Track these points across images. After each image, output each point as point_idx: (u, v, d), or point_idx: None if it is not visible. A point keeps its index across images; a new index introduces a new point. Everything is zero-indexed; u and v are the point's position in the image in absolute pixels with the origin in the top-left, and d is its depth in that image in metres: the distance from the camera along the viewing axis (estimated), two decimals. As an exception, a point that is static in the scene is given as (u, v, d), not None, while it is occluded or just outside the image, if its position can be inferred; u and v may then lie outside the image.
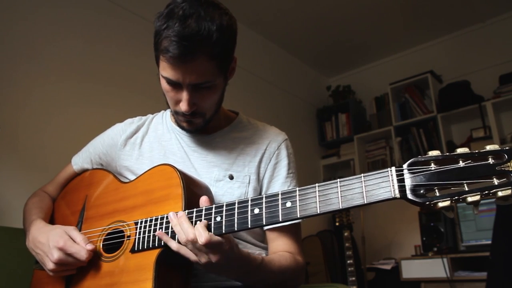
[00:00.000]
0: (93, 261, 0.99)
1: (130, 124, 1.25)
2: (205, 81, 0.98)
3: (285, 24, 3.65)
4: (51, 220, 1.20)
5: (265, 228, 1.11)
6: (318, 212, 0.73)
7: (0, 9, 2.04)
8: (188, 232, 0.82)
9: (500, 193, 0.60)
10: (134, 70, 2.59)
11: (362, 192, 0.71)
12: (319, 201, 0.74)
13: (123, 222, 1.00)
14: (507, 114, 3.41)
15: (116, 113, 1.65)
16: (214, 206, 0.86)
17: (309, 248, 3.37)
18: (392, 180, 0.69)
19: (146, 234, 0.93)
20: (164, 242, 0.89)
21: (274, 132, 1.20)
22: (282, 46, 3.97)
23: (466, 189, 0.63)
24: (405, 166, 0.69)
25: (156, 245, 0.90)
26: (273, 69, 3.89)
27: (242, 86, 3.33)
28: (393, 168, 0.70)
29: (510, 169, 0.61)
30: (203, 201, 0.89)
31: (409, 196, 0.67)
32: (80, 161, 1.26)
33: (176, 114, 1.08)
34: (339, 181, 0.74)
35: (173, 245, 0.87)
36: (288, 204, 0.77)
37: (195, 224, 0.85)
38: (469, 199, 0.62)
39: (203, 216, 0.86)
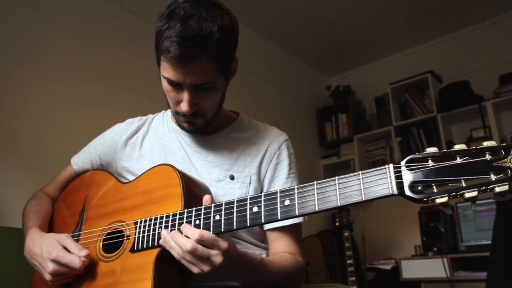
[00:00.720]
0: (93, 262, 0.99)
1: (130, 124, 1.25)
2: (206, 82, 0.98)
3: (285, 24, 3.65)
4: (51, 221, 1.20)
5: (265, 228, 1.11)
6: (317, 209, 0.73)
7: (0, 9, 2.04)
8: (185, 244, 0.80)
9: (497, 189, 0.61)
10: (135, 70, 2.59)
11: (360, 189, 0.71)
12: (317, 198, 0.74)
13: (123, 222, 1.00)
14: (507, 114, 3.41)
15: (117, 113, 1.65)
16: (213, 205, 0.86)
17: (309, 248, 3.37)
18: (390, 177, 0.69)
19: (146, 234, 0.93)
20: None
21: (275, 132, 1.21)
22: (282, 46, 3.98)
23: (464, 185, 0.63)
24: (402, 163, 0.69)
25: (156, 244, 0.90)
26: (273, 69, 3.89)
27: (242, 86, 3.33)
28: (391, 165, 0.70)
29: (507, 165, 0.61)
30: (206, 200, 0.89)
31: (407, 192, 0.67)
32: (80, 161, 1.26)
33: (177, 115, 1.08)
34: (337, 179, 0.74)
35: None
36: (287, 202, 0.77)
37: (194, 223, 0.85)
38: (467, 195, 0.62)
39: (202, 215, 0.86)
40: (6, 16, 2.06)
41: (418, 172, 0.67)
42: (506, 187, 0.60)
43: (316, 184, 0.76)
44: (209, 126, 1.11)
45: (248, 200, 0.82)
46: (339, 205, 0.72)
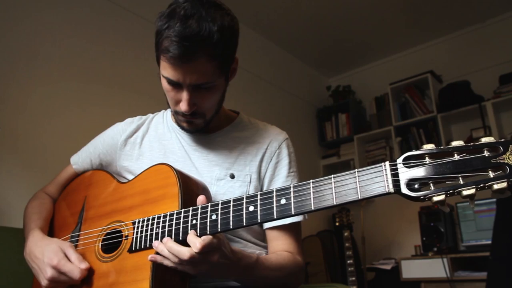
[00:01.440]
0: (92, 262, 0.99)
1: (130, 123, 1.25)
2: (205, 82, 0.98)
3: (285, 24, 3.65)
4: (53, 221, 1.20)
5: (265, 227, 1.11)
6: (313, 208, 0.73)
7: (0, 9, 2.04)
8: (183, 253, 0.81)
9: (495, 186, 0.60)
10: (135, 70, 2.59)
11: (356, 187, 0.70)
12: (313, 197, 0.74)
13: (121, 222, 1.00)
14: (507, 114, 3.41)
15: (117, 113, 1.65)
16: (209, 204, 0.86)
17: (309, 248, 3.37)
18: (386, 175, 0.68)
19: (143, 234, 0.92)
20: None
21: (275, 131, 1.20)
22: (282, 46, 3.97)
23: (461, 182, 0.62)
24: (399, 160, 0.68)
25: (153, 244, 0.90)
26: (273, 69, 3.89)
27: (242, 86, 3.33)
28: (387, 163, 0.69)
29: (506, 161, 0.60)
30: (200, 200, 0.89)
31: (403, 190, 0.66)
32: (80, 161, 1.25)
33: (176, 114, 1.08)
34: (333, 177, 0.73)
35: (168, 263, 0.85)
36: (283, 201, 0.77)
37: (191, 223, 0.85)
38: (464, 192, 0.61)
39: (199, 214, 0.86)
40: (6, 16, 2.06)
41: (415, 170, 0.66)
42: (504, 184, 0.59)
43: (312, 182, 0.75)
44: (209, 125, 1.11)
45: (245, 199, 0.82)
46: (335, 203, 0.71)
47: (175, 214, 0.89)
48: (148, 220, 0.93)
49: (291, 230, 1.09)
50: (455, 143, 0.64)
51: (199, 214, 0.86)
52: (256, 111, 3.31)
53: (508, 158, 0.59)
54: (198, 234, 0.84)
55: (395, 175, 0.68)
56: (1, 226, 1.64)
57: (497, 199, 1.96)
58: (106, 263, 0.97)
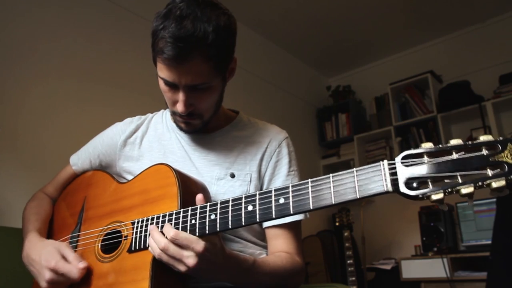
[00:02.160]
0: (91, 262, 0.99)
1: (129, 123, 1.25)
2: (201, 83, 0.97)
3: (285, 24, 3.65)
4: (52, 221, 1.20)
5: (264, 226, 1.11)
6: (311, 208, 0.73)
7: (-1, 9, 2.05)
8: (160, 242, 0.82)
9: (494, 184, 0.59)
10: (134, 69, 2.59)
11: (355, 186, 0.70)
12: (311, 196, 0.74)
13: (121, 222, 1.00)
14: (507, 114, 3.41)
15: (116, 112, 1.65)
16: (208, 204, 0.86)
17: (309, 248, 3.37)
18: (385, 174, 0.68)
19: (143, 234, 0.92)
20: None
21: (275, 130, 1.20)
22: (282, 46, 3.97)
23: (460, 181, 0.62)
24: (397, 159, 0.68)
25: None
26: (273, 69, 3.89)
27: (242, 86, 3.33)
28: (385, 162, 0.69)
29: (504, 159, 0.60)
30: (199, 199, 0.88)
31: (402, 189, 0.66)
32: (80, 161, 1.25)
33: (174, 115, 1.08)
34: (332, 176, 0.73)
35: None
36: (281, 201, 0.77)
37: (190, 223, 0.85)
38: (463, 191, 0.61)
39: (198, 214, 0.85)
40: (5, 15, 2.06)
41: (414, 168, 0.66)
42: (503, 182, 0.59)
43: (311, 182, 0.75)
44: (208, 125, 1.11)
45: (243, 199, 0.82)
46: (333, 203, 0.71)
47: (174, 214, 0.89)
48: (147, 220, 0.93)
49: (291, 228, 1.09)
50: (453, 142, 0.64)
51: (198, 214, 0.85)
52: (256, 111, 3.31)
53: (506, 156, 0.59)
54: (197, 234, 0.83)
55: (393, 174, 0.68)
56: (1, 226, 1.64)
57: (497, 199, 1.96)
58: (106, 263, 0.97)
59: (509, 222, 1.77)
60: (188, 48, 0.92)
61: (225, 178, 1.09)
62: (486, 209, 2.88)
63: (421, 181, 0.64)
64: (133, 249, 0.93)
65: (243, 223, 0.80)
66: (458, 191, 0.61)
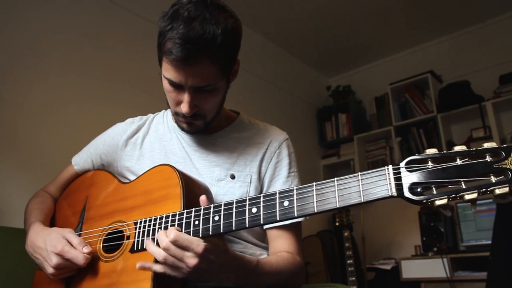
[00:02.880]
0: (93, 262, 0.99)
1: (131, 124, 1.25)
2: (207, 84, 0.98)
3: (285, 24, 3.65)
4: (53, 220, 1.20)
5: (265, 227, 1.11)
6: (316, 211, 0.73)
7: (-1, 8, 2.05)
8: (161, 241, 0.81)
9: (497, 191, 0.60)
10: (135, 68, 2.59)
11: (359, 190, 0.71)
12: (316, 200, 0.74)
13: (123, 222, 1.00)
14: (507, 114, 3.41)
15: (117, 112, 1.65)
16: (212, 205, 0.86)
17: (309, 248, 3.37)
18: (389, 178, 0.69)
19: (145, 234, 0.92)
20: None
21: (275, 131, 1.21)
22: (282, 46, 3.97)
23: (464, 187, 0.62)
24: (402, 164, 0.68)
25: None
26: (273, 69, 3.89)
27: (242, 86, 3.33)
28: (390, 167, 0.69)
29: (508, 166, 0.60)
30: (202, 201, 0.89)
31: (406, 194, 0.66)
32: (81, 161, 1.26)
33: (176, 115, 1.08)
34: (336, 180, 0.74)
35: (158, 268, 0.84)
36: (286, 203, 0.77)
37: (193, 224, 0.85)
38: (467, 197, 0.61)
39: (201, 215, 0.86)
40: (6, 14, 2.06)
41: (418, 174, 0.66)
42: (506, 189, 0.59)
43: (315, 185, 0.75)
44: (209, 126, 1.11)
45: (247, 201, 0.82)
46: (337, 206, 0.71)
47: (177, 215, 0.89)
48: (150, 220, 0.93)
49: (292, 229, 1.09)
50: (457, 148, 0.64)
51: (201, 215, 0.86)
52: (256, 111, 3.31)
53: (510, 163, 0.60)
54: (200, 236, 0.84)
55: (398, 179, 0.68)
56: (1, 226, 1.64)
57: (497, 199, 1.96)
58: (108, 263, 0.98)
59: (510, 222, 1.78)
60: (197, 50, 0.91)
61: (225, 179, 1.10)
62: (486, 209, 2.89)
63: (425, 187, 0.65)
64: (135, 249, 0.93)
65: (246, 225, 0.80)
66: (461, 197, 0.62)
